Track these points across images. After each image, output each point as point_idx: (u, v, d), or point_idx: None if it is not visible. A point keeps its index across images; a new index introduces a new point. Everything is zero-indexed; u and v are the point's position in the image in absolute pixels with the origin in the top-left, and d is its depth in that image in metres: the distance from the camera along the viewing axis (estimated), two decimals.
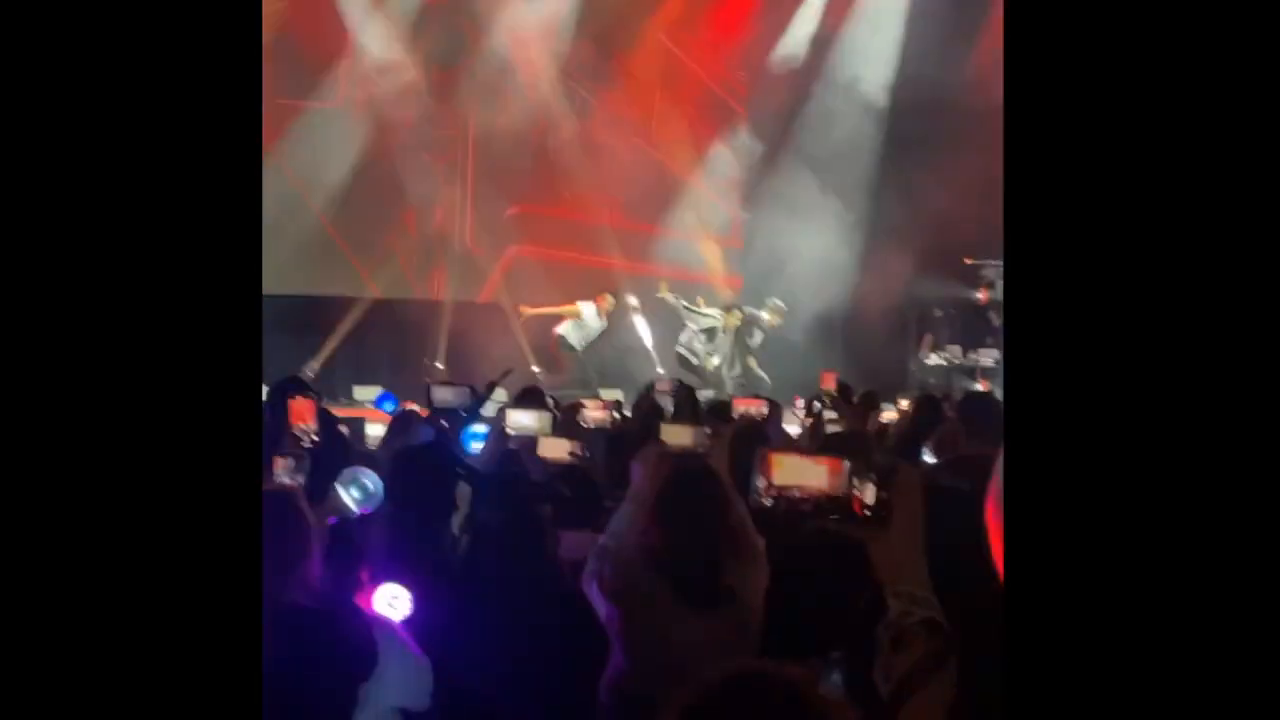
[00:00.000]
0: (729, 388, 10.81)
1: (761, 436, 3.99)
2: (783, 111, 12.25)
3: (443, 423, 4.03)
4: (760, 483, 1.63)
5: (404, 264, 11.81)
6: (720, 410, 5.13)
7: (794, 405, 9.17)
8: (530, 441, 3.64)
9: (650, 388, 6.32)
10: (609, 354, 11.46)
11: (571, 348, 11.13)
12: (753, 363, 11.25)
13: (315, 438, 3.11)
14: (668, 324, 11.58)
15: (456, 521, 3.05)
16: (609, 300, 11.21)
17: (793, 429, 6.35)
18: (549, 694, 2.80)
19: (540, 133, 11.81)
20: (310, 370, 10.69)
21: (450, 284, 11.97)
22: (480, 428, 4.17)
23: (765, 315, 11.25)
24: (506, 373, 5.41)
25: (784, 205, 11.63)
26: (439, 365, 11.32)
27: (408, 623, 2.43)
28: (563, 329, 11.13)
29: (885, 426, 5.92)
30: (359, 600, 2.41)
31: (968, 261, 11.02)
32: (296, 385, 4.28)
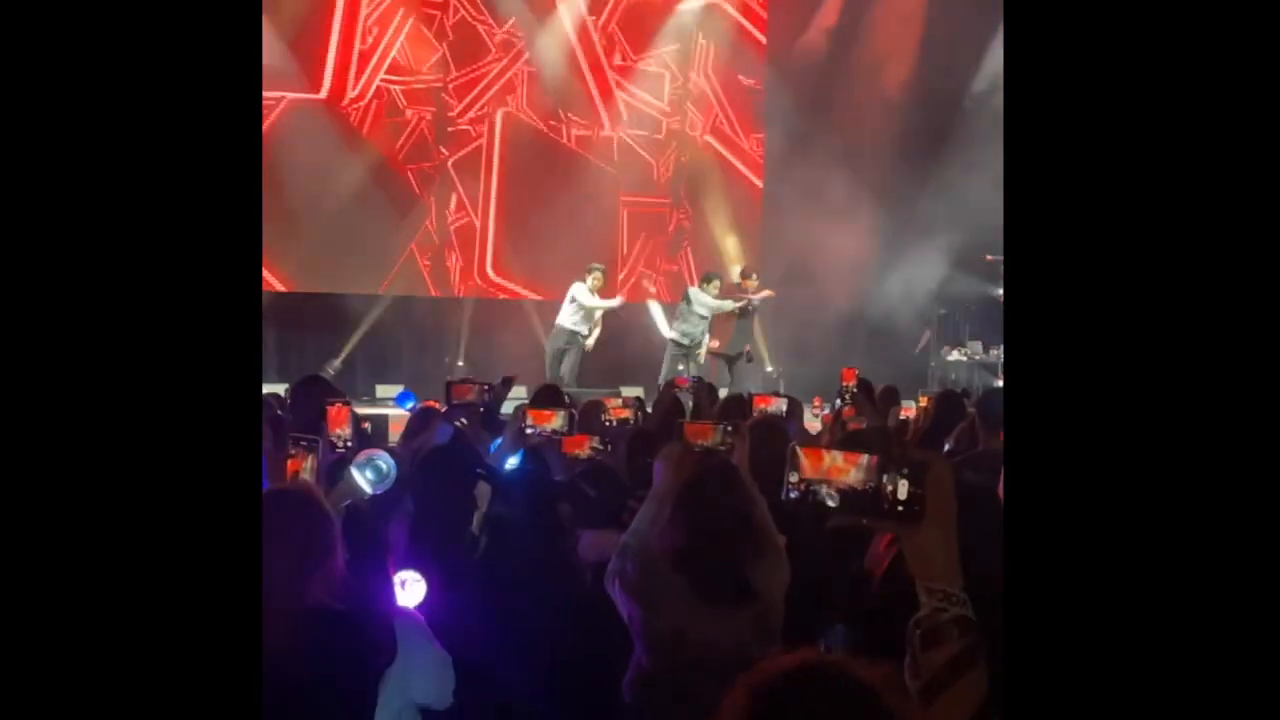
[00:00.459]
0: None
1: (782, 434, 3.99)
2: (805, 105, 12.22)
3: (462, 420, 4.04)
4: (792, 477, 1.63)
5: (423, 261, 11.84)
6: (740, 407, 5.13)
7: (813, 404, 9.16)
8: (552, 439, 3.65)
9: (670, 384, 6.33)
10: (630, 349, 11.34)
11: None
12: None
13: (350, 443, 3.15)
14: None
15: (476, 520, 3.07)
16: (598, 276, 10.60)
17: (812, 426, 6.35)
18: (570, 692, 2.82)
19: (560, 126, 11.84)
20: (331, 368, 10.75)
21: (470, 280, 11.99)
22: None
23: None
24: (510, 379, 5.39)
25: (805, 200, 11.58)
26: (459, 363, 11.35)
27: (429, 620, 2.44)
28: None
29: (905, 422, 5.91)
30: (382, 598, 2.42)
31: (989, 259, 10.97)
32: (318, 384, 4.30)
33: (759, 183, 12.68)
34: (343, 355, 11.34)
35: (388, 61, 11.55)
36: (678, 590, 2.72)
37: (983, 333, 11.63)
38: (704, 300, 10.59)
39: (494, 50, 11.82)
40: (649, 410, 5.65)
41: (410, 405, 6.32)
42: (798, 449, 1.63)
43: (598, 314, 10.58)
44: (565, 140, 12.10)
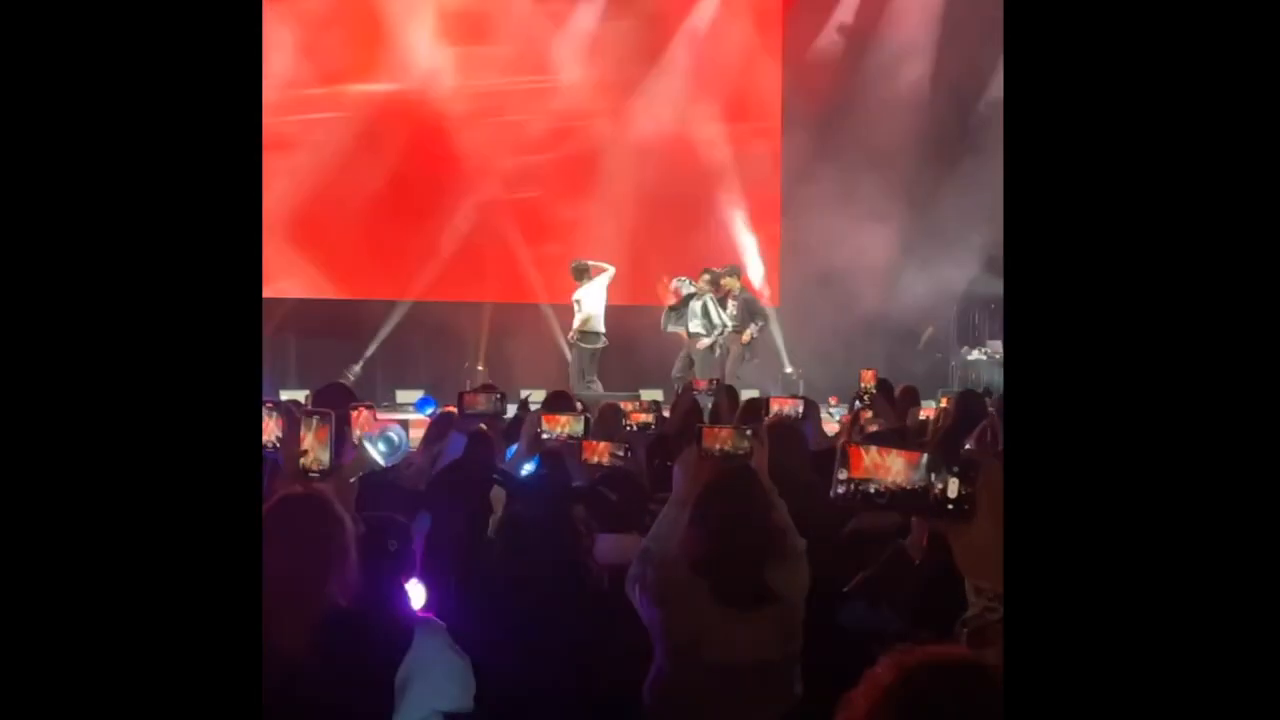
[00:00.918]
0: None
1: (799, 435, 3.99)
2: (823, 106, 12.19)
3: (481, 425, 4.04)
4: (841, 474, 1.61)
5: (444, 266, 11.88)
6: (756, 408, 5.13)
7: (829, 404, 9.12)
8: (571, 445, 3.65)
9: (688, 387, 6.33)
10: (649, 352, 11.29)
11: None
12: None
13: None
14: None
15: (492, 524, 3.08)
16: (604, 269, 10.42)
17: (830, 427, 6.34)
18: (589, 696, 2.82)
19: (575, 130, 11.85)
20: (351, 374, 10.80)
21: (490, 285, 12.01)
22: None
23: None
24: (525, 403, 5.39)
25: (823, 201, 11.56)
26: (480, 367, 11.37)
27: (447, 624, 2.45)
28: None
29: (925, 423, 5.89)
30: (398, 602, 2.43)
31: None
32: (339, 391, 4.32)
33: (776, 186, 12.64)
34: (362, 361, 11.39)
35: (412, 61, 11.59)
36: (698, 594, 2.72)
37: (1003, 332, 11.57)
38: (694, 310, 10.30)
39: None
40: (666, 414, 5.65)
41: (430, 410, 6.34)
42: (847, 447, 1.62)
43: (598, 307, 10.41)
44: (582, 142, 12.12)
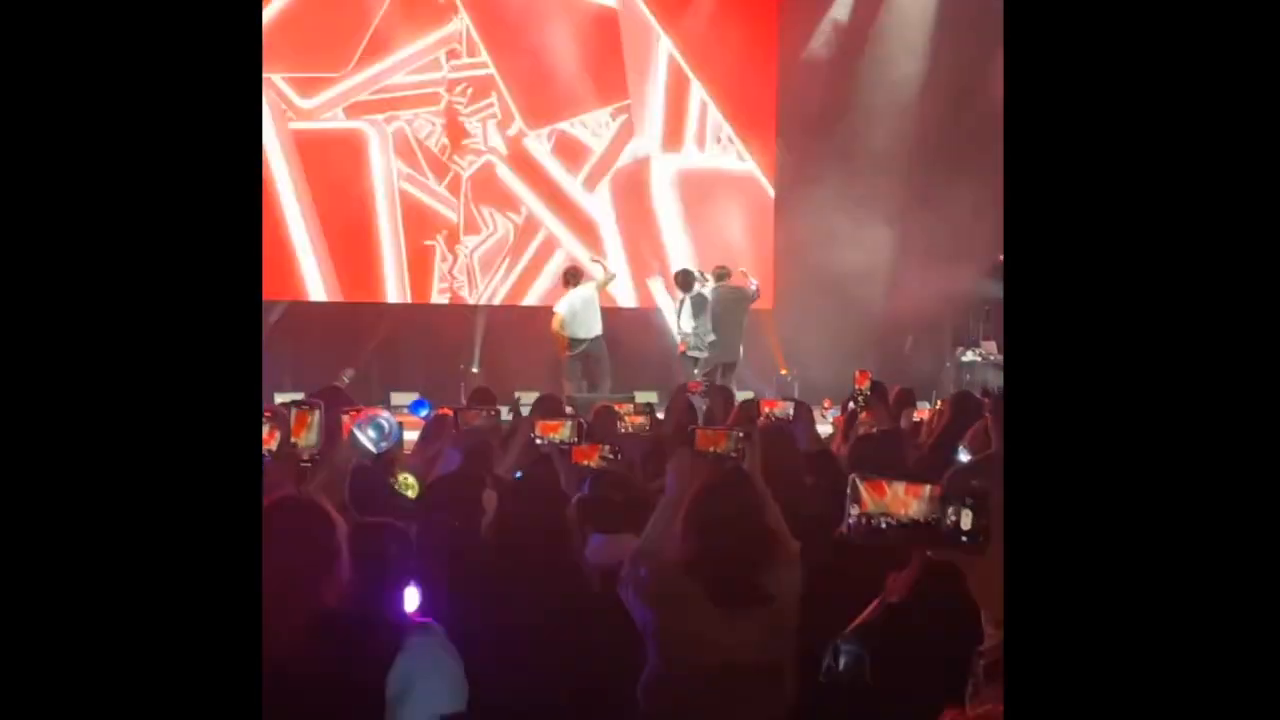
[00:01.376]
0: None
1: (790, 437, 4.00)
2: (818, 106, 12.19)
3: (487, 413, 4.02)
4: (853, 510, 1.59)
5: (437, 268, 11.88)
6: (749, 411, 5.13)
7: (823, 407, 9.13)
8: (562, 448, 3.65)
9: (682, 389, 6.33)
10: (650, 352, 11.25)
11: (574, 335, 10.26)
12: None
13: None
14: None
15: (484, 525, 3.08)
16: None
17: (824, 429, 6.33)
18: (581, 697, 2.82)
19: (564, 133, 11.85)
20: (346, 377, 10.78)
21: (485, 288, 12.01)
22: None
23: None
24: (517, 405, 5.37)
25: (818, 202, 11.56)
26: (474, 370, 11.37)
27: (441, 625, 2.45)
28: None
29: (919, 424, 5.89)
30: (391, 604, 2.42)
31: (1001, 259, 10.92)
32: (334, 395, 4.32)
33: (770, 187, 12.65)
34: (358, 364, 11.38)
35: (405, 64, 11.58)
36: (691, 595, 2.73)
37: (997, 333, 11.59)
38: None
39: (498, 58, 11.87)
40: (660, 417, 5.64)
41: (424, 413, 6.34)
42: (859, 481, 1.61)
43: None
44: (568, 147, 12.12)
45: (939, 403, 6.43)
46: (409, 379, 11.39)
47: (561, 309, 10.18)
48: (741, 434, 3.23)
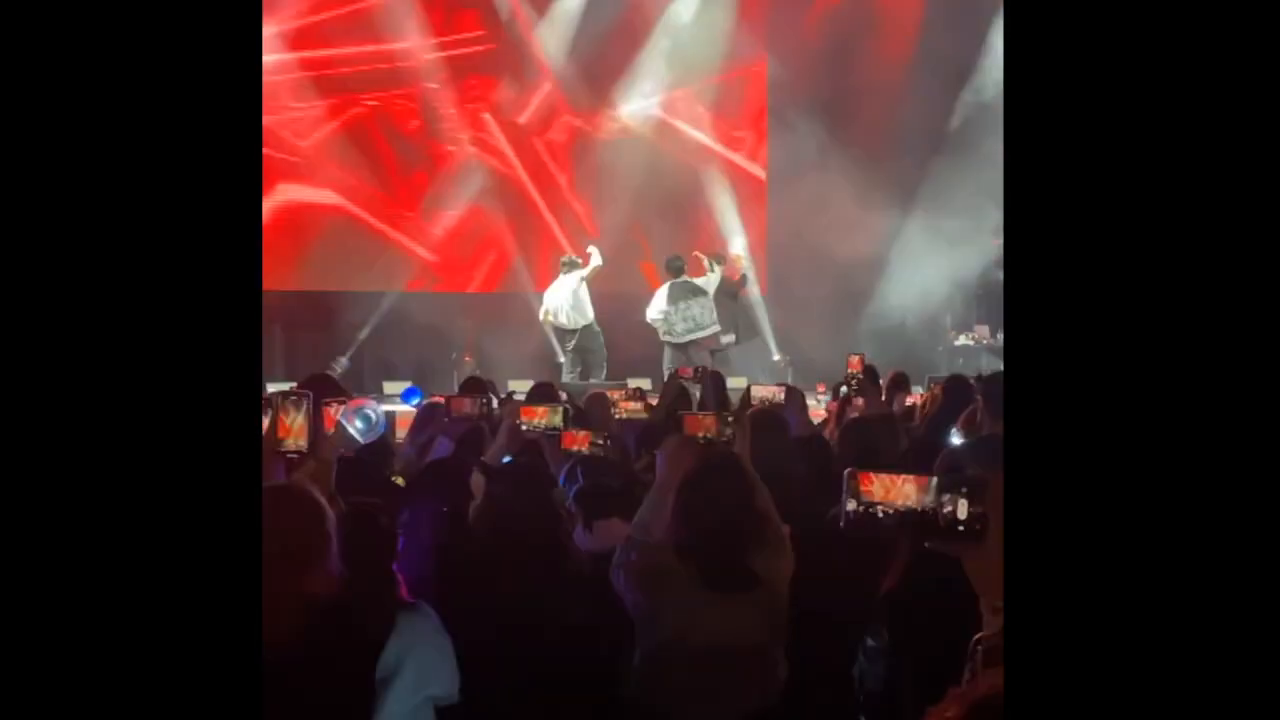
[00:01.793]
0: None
1: (781, 422, 4.00)
2: (810, 91, 12.16)
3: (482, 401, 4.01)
4: (849, 504, 1.59)
5: (429, 256, 11.86)
6: (741, 397, 5.14)
7: (816, 391, 9.13)
8: (549, 436, 3.65)
9: (674, 375, 6.33)
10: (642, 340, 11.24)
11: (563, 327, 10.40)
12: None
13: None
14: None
15: (472, 510, 3.08)
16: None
17: (817, 414, 6.35)
18: (571, 680, 2.83)
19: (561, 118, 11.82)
20: (339, 365, 10.77)
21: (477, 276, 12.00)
22: None
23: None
24: (510, 397, 5.37)
25: (811, 187, 11.54)
26: (467, 359, 11.36)
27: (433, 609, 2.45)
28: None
29: (912, 408, 5.90)
30: (383, 588, 2.43)
31: (995, 243, 10.93)
32: (325, 383, 4.31)
33: (762, 172, 12.63)
34: (349, 353, 11.37)
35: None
36: (682, 579, 2.73)
37: (990, 317, 11.59)
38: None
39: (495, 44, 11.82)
40: (653, 403, 5.65)
41: (416, 401, 6.34)
42: (855, 474, 1.61)
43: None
44: (564, 135, 12.10)
45: (932, 387, 6.44)
46: (402, 368, 11.38)
47: (548, 300, 10.21)
48: (731, 418, 3.23)
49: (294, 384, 4.96)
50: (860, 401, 5.40)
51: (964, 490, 1.54)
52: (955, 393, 5.12)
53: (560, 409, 3.69)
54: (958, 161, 10.66)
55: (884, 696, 2.63)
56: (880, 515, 1.58)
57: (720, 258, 10.69)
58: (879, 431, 4.28)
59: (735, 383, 7.95)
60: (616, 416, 4.85)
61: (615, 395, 5.50)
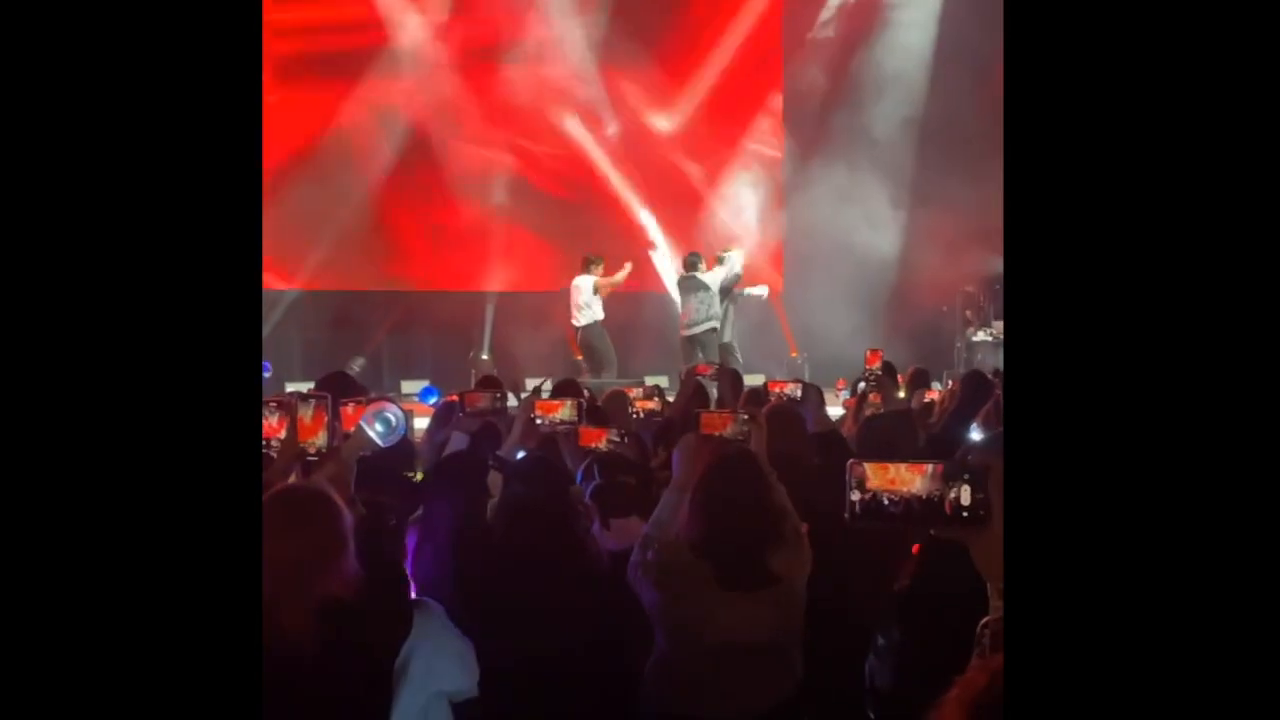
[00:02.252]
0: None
1: (798, 419, 3.99)
2: (823, 87, 12.13)
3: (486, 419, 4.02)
4: (854, 495, 1.60)
5: (447, 255, 11.88)
6: (755, 393, 5.12)
7: (836, 386, 9.11)
8: (566, 432, 3.65)
9: (691, 372, 6.32)
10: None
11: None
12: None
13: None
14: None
15: (490, 508, 3.08)
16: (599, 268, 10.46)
17: (835, 411, 6.32)
18: (589, 677, 2.82)
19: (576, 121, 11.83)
20: (356, 365, 10.82)
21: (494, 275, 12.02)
22: None
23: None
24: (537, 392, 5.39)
25: (828, 183, 11.51)
26: (484, 357, 11.38)
27: (448, 607, 2.46)
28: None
29: (930, 404, 5.87)
30: (397, 588, 2.43)
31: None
32: (341, 380, 4.33)
33: (780, 169, 12.60)
34: (367, 352, 11.41)
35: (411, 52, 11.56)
36: (699, 577, 2.73)
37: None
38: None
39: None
40: (670, 400, 5.64)
41: (434, 400, 6.35)
42: (860, 465, 1.61)
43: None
44: (578, 136, 12.11)
45: (950, 383, 6.41)
46: (420, 367, 11.42)
47: (578, 297, 10.31)
48: (747, 416, 3.22)
49: (311, 384, 4.98)
50: (877, 398, 5.38)
51: (966, 477, 1.55)
52: (973, 388, 5.09)
53: (575, 404, 3.69)
54: (980, 155, 10.59)
55: (894, 695, 2.62)
56: (886, 504, 1.59)
57: (728, 252, 10.71)
58: (896, 427, 4.26)
59: (751, 379, 7.94)
60: (633, 414, 4.84)
61: (632, 393, 5.50)
